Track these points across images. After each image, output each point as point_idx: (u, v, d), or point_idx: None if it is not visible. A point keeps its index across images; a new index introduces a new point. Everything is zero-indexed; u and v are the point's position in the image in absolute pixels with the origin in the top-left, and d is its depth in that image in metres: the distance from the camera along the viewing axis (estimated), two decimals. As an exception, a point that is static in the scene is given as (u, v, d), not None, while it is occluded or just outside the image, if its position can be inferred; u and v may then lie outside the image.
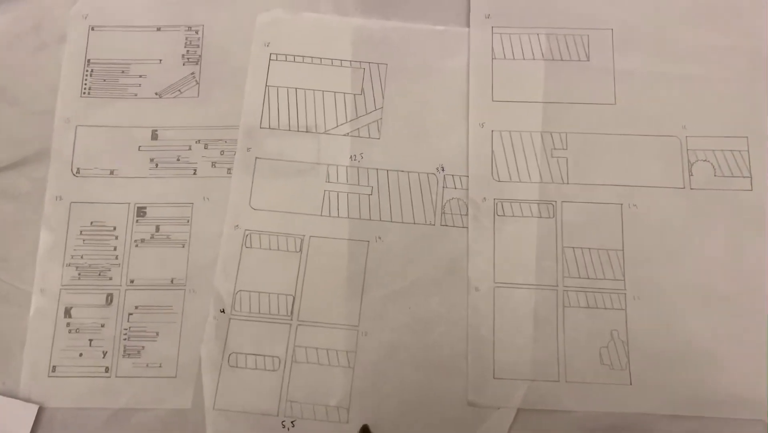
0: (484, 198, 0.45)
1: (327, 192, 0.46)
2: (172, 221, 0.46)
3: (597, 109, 0.47)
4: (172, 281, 0.45)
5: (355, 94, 0.48)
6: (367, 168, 0.47)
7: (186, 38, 0.50)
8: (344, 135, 0.47)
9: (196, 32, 0.50)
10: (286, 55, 0.49)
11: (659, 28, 0.48)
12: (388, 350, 0.44)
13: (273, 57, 0.49)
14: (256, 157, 0.47)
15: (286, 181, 0.46)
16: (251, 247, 0.45)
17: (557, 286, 0.44)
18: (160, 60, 0.49)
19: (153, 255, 0.46)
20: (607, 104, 0.47)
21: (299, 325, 0.44)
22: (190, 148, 0.47)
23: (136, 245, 0.46)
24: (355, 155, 0.47)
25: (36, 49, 0.49)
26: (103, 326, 0.45)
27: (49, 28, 0.50)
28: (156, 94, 0.48)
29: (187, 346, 0.44)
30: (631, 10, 0.49)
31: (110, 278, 0.46)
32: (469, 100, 0.47)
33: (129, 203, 0.47)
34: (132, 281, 0.45)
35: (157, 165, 0.47)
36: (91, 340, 0.45)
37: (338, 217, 0.46)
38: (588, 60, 0.48)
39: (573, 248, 0.44)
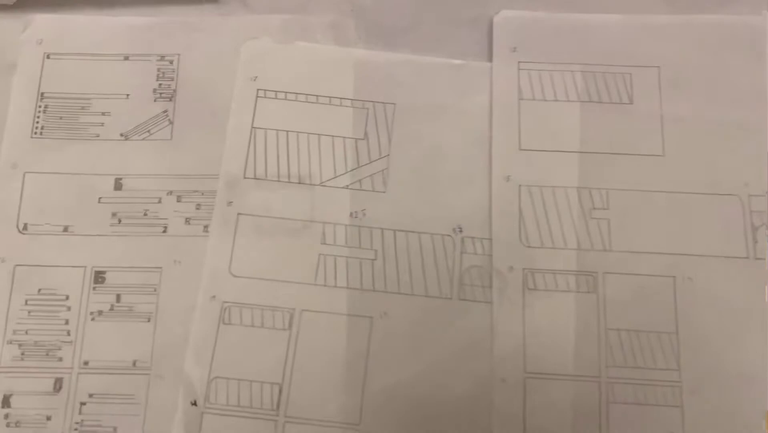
0: (511, 267, 0.38)
1: (322, 256, 0.39)
2: (135, 289, 0.39)
3: (643, 161, 0.40)
4: (134, 364, 0.38)
5: (356, 139, 0.41)
6: (371, 228, 0.39)
7: (158, 69, 0.42)
8: (343, 187, 0.40)
9: (171, 62, 0.42)
10: (276, 91, 0.41)
11: (714, 68, 0.41)
12: (395, 455, 0.36)
13: (261, 93, 0.41)
14: (239, 213, 0.39)
15: (274, 243, 0.39)
16: (230, 323, 0.38)
17: (600, 377, 0.37)
18: (128, 95, 0.42)
19: (112, 331, 0.38)
20: (654, 156, 0.40)
21: (287, 422, 0.37)
22: (159, 201, 0.40)
23: (93, 318, 0.38)
24: (356, 212, 0.39)
25: (-21, 81, 0.42)
26: (49, 418, 0.37)
27: (-4, 55, 0.42)
28: (121, 135, 0.41)
29: (151, 445, 0.36)
30: (681, 44, 0.42)
31: (60, 359, 0.38)
32: (492, 148, 0.40)
33: (85, 267, 0.39)
34: (86, 363, 0.38)
35: (120, 221, 0.40)
36: (33, 436, 0.37)
37: (335, 287, 0.38)
38: (631, 103, 0.41)
39: (618, 330, 0.37)
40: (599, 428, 0.36)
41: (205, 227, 0.40)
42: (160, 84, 0.42)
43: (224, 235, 0.39)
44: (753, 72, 0.41)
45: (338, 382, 0.37)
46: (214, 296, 0.38)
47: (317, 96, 0.41)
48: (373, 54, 0.42)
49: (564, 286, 0.38)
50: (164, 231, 0.40)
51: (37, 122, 0.41)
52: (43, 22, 0.43)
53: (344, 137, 0.41)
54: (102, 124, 0.41)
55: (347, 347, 0.38)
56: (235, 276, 0.39)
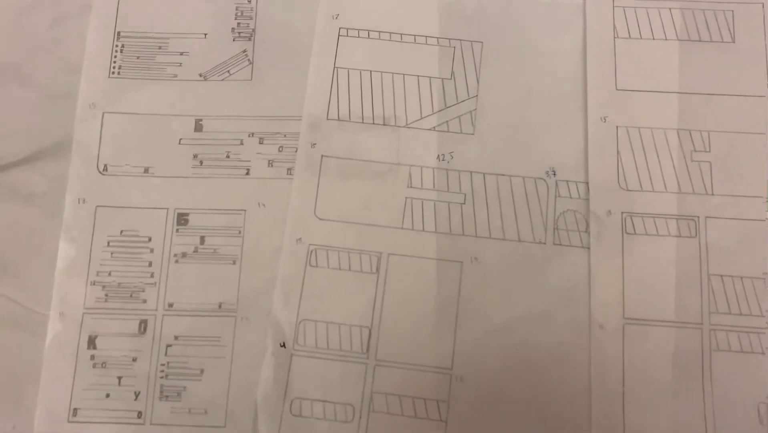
0: (609, 211, 0.36)
1: (409, 200, 0.38)
2: (220, 231, 0.38)
3: (746, 102, 0.38)
4: (220, 306, 0.37)
5: (443, 79, 0.39)
6: (459, 171, 0.38)
7: (236, 8, 0.41)
8: (430, 129, 0.38)
9: (249, 1, 0.41)
10: (358, 29, 0.40)
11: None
12: (489, 401, 0.35)
13: (343, 32, 0.40)
14: (322, 156, 0.38)
15: (359, 186, 0.38)
16: (317, 266, 0.37)
17: (702, 324, 0.35)
18: (206, 34, 0.40)
19: (197, 273, 0.38)
20: (758, 96, 0.38)
21: (377, 365, 0.36)
22: (241, 143, 0.39)
23: (176, 261, 0.37)
24: (443, 154, 0.38)
25: (54, 21, 0.41)
26: (135, 360, 0.37)
27: (72, -6, 0.41)
28: (200, 75, 0.40)
29: (239, 388, 0.36)
30: (788, -21, 0.39)
31: (144, 301, 0.37)
32: (588, 88, 0.38)
33: (167, 209, 0.38)
34: (171, 305, 0.37)
35: (201, 162, 0.39)
36: (120, 377, 0.37)
37: (423, 231, 0.37)
38: (733, 42, 0.39)
39: (721, 276, 0.36)
40: (702, 376, 0.35)
41: (289, 169, 0.38)
42: (238, 23, 0.41)
43: (308, 177, 0.38)
44: None
45: (429, 326, 0.36)
46: (299, 239, 0.37)
47: (401, 34, 0.40)
48: None
49: (664, 230, 0.36)
50: (247, 173, 0.39)
51: (115, 62, 0.40)
52: (117, -41, 0.42)
53: (430, 77, 0.39)
54: (180, 65, 0.40)
55: (437, 291, 0.37)
56: (320, 219, 0.38)
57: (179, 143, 0.39)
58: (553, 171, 0.37)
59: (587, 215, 0.37)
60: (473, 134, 0.38)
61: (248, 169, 0.39)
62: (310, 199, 0.38)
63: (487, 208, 0.37)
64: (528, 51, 0.39)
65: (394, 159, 0.38)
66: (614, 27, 0.39)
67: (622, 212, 0.37)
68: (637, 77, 0.38)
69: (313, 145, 0.38)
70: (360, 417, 0.35)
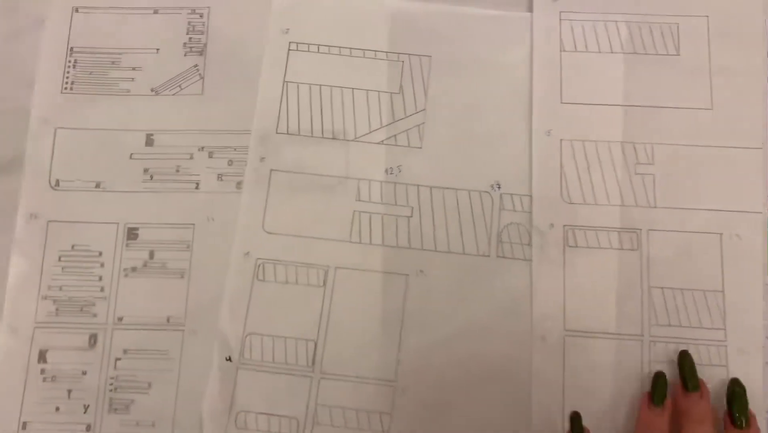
0: (552, 224, 0.37)
1: (357, 213, 0.38)
2: (169, 245, 0.38)
3: (690, 115, 0.38)
4: (168, 320, 0.37)
5: (392, 93, 0.39)
6: (407, 184, 0.38)
7: (188, 23, 0.41)
8: (378, 143, 0.39)
9: (201, 15, 0.41)
10: (308, 44, 0.40)
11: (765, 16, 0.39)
12: (432, 413, 0.36)
13: (293, 47, 0.40)
14: (272, 169, 0.38)
15: (308, 199, 0.38)
16: (264, 280, 0.37)
17: (642, 336, 0.36)
18: (158, 49, 0.41)
19: (146, 287, 0.38)
20: (702, 109, 0.38)
21: (322, 378, 0.36)
22: (191, 157, 0.39)
23: (126, 275, 0.38)
24: (391, 168, 0.38)
25: (8, 36, 0.41)
26: (84, 373, 0.37)
27: (25, 10, 0.42)
28: (152, 90, 0.40)
29: (186, 401, 0.37)
30: (731, -8, 0.39)
31: (94, 315, 0.38)
32: (533, 101, 0.38)
33: (118, 223, 0.39)
34: (120, 319, 0.37)
35: (152, 177, 0.39)
36: (70, 391, 0.37)
37: (370, 244, 0.38)
38: (678, 54, 0.39)
39: (662, 288, 0.36)
40: (641, 387, 0.35)
41: (238, 183, 0.39)
42: (190, 38, 0.41)
43: (257, 191, 0.39)
44: None
45: (374, 339, 0.37)
46: (247, 253, 0.38)
47: (351, 49, 0.40)
48: (410, 4, 0.41)
49: (606, 243, 0.37)
50: (196, 188, 0.39)
51: (67, 77, 0.41)
52: (71, -25, 0.42)
53: (379, 91, 0.40)
54: (132, 80, 0.41)
55: (383, 304, 0.37)
56: (268, 233, 0.38)
57: (130, 158, 0.39)
58: (498, 184, 0.38)
59: (531, 228, 0.37)
60: (421, 148, 0.39)
61: (198, 183, 0.39)
62: (259, 213, 0.38)
63: (434, 221, 0.38)
64: (475, 64, 0.40)
65: (343, 173, 0.39)
66: (561, 40, 0.39)
67: (564, 225, 0.37)
68: (582, 90, 0.39)
69: (263, 159, 0.39)
70: (304, 430, 0.36)
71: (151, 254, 0.38)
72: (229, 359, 0.36)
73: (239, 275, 0.37)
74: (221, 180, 0.39)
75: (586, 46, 0.39)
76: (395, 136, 0.39)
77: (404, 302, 0.37)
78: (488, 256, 0.37)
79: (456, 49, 0.40)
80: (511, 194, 0.38)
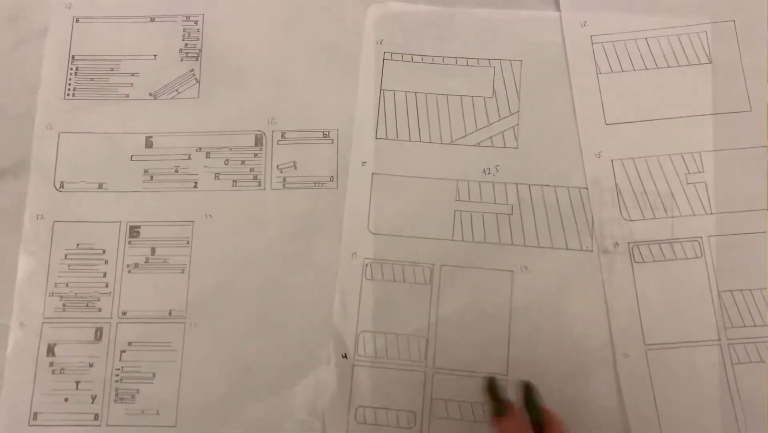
0: (616, 243, 0.38)
1: (458, 213, 0.40)
2: (169, 242, 0.40)
3: (730, 119, 0.39)
4: (170, 313, 0.39)
5: (485, 98, 0.41)
6: (505, 183, 0.40)
7: (184, 30, 0.43)
8: (475, 145, 0.41)
9: (196, 23, 0.43)
10: (402, 53, 0.42)
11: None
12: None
13: (387, 56, 0.42)
14: (373, 173, 0.40)
15: (409, 200, 0.40)
16: (372, 279, 0.39)
17: (720, 340, 0.37)
18: (155, 55, 0.43)
19: (148, 282, 0.40)
20: (741, 112, 0.39)
21: (436, 373, 0.38)
22: (189, 158, 0.41)
23: (129, 271, 0.40)
24: (489, 168, 0.40)
25: (13, 45, 0.43)
26: (91, 365, 0.39)
27: (28, 21, 0.44)
28: (150, 95, 0.42)
29: (188, 389, 0.38)
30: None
31: (99, 310, 0.39)
32: (578, 126, 0.40)
33: (120, 222, 0.40)
34: (124, 313, 0.39)
35: (152, 177, 0.41)
36: (77, 382, 0.39)
37: (473, 242, 0.39)
38: (710, 62, 0.40)
39: (731, 291, 0.37)
40: (729, 390, 0.36)
41: (234, 181, 0.41)
42: (186, 44, 0.43)
43: (360, 194, 0.40)
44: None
45: (483, 335, 0.38)
46: (355, 253, 0.39)
47: (443, 57, 0.42)
48: (496, 12, 0.42)
49: (671, 254, 0.38)
50: (195, 186, 0.41)
51: (70, 84, 0.42)
52: (71, -14, 0.44)
53: (472, 96, 0.41)
54: (131, 85, 0.42)
55: (490, 300, 0.38)
56: (374, 233, 0.39)
57: (131, 159, 0.41)
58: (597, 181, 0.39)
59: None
60: (517, 148, 0.40)
61: (196, 182, 0.41)
62: (363, 215, 0.40)
63: (534, 218, 0.39)
64: (563, 68, 0.41)
65: (442, 174, 0.40)
66: (595, 63, 0.41)
67: (629, 243, 0.38)
68: (624, 110, 0.40)
69: (364, 163, 0.40)
70: (422, 423, 0.37)
71: (153, 251, 0.40)
72: (345, 356, 0.38)
73: (348, 275, 0.39)
74: (218, 179, 0.41)
75: (621, 67, 0.41)
76: (491, 138, 0.41)
77: (511, 298, 0.38)
78: (591, 251, 0.39)
79: (546, 53, 0.41)
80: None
